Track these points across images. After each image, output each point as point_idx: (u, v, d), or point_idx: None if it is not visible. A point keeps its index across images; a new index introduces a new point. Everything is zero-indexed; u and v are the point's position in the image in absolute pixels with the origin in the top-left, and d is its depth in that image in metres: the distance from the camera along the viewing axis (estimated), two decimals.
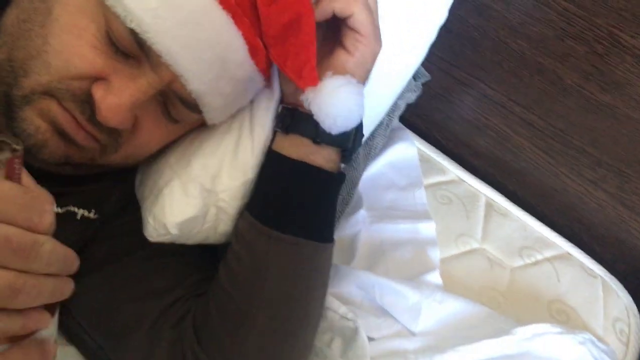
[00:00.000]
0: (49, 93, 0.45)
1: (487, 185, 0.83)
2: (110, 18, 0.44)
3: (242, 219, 0.54)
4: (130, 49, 0.44)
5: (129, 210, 0.58)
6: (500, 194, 0.82)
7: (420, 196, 0.78)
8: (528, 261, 0.74)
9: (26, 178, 0.36)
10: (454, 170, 0.85)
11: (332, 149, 0.52)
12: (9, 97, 0.46)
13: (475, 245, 0.75)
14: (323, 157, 0.52)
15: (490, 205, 0.81)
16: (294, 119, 0.53)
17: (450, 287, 0.69)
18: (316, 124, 0.51)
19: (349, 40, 0.51)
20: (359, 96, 0.50)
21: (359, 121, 0.52)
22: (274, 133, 0.55)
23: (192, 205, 0.53)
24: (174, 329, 0.54)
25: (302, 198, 0.53)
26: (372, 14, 0.51)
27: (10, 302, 0.34)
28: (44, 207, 0.35)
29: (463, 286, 0.70)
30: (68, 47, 0.45)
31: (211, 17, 0.45)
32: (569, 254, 0.76)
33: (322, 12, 0.50)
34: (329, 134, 0.51)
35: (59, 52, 0.45)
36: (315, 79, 0.49)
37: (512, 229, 0.78)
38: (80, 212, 0.55)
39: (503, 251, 0.75)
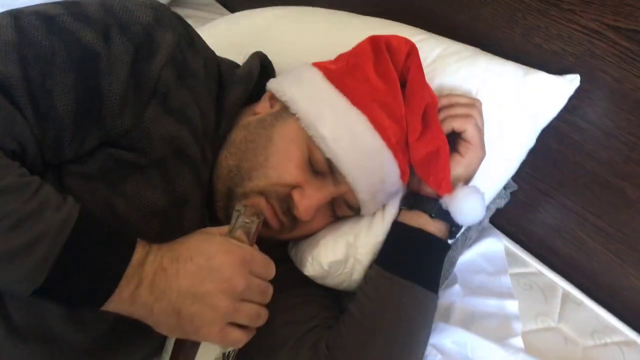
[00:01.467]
0: (261, 193, 0.68)
1: (563, 279, 0.99)
2: (313, 149, 0.67)
3: (371, 269, 0.75)
4: (322, 169, 0.68)
5: (282, 260, 0.79)
6: (575, 287, 0.97)
7: (506, 281, 0.95)
8: (599, 342, 0.88)
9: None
10: (534, 265, 1.01)
11: (443, 223, 0.73)
12: (231, 192, 0.69)
13: (552, 324, 0.90)
14: (436, 228, 0.73)
15: (566, 295, 0.96)
16: (416, 200, 0.74)
17: (530, 354, 0.83)
18: (433, 204, 0.72)
19: (462, 147, 0.74)
20: (481, 202, 0.71)
21: (482, 217, 0.73)
22: (399, 210, 0.77)
23: (339, 252, 0.74)
24: (310, 350, 0.72)
25: (419, 255, 0.73)
26: (480, 131, 0.74)
27: (254, 323, 0.58)
28: (270, 264, 0.59)
29: (541, 355, 0.84)
30: (281, 165, 0.68)
31: (380, 154, 0.69)
32: (635, 341, 0.89)
33: (445, 129, 0.73)
34: (443, 212, 0.72)
35: (275, 168, 0.68)
36: (450, 189, 0.71)
37: (585, 315, 0.92)
38: None
39: (576, 332, 0.89)
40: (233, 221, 0.60)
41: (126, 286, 0.52)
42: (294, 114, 0.69)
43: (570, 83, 0.83)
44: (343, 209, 0.73)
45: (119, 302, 0.52)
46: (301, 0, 1.16)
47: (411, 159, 0.71)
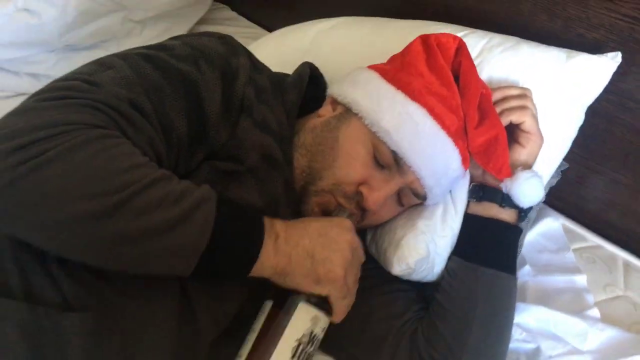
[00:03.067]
0: (330, 192, 0.75)
1: (622, 249, 1.05)
2: (378, 144, 0.74)
3: (452, 261, 0.81)
4: (388, 162, 0.74)
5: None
6: (634, 256, 1.04)
7: (570, 257, 1.01)
8: None
9: None
10: (593, 239, 1.08)
11: (512, 210, 0.80)
12: (305, 189, 0.76)
13: (620, 293, 0.97)
14: (507, 215, 0.80)
15: (627, 265, 1.02)
16: (484, 192, 0.81)
17: (605, 322, 0.90)
18: (500, 194, 0.79)
19: (522, 138, 0.80)
20: (541, 184, 0.78)
21: (541, 198, 0.79)
22: (468, 202, 0.83)
23: (422, 250, 0.80)
24: (408, 341, 0.79)
25: (496, 243, 0.80)
26: (536, 120, 0.80)
27: (354, 292, 0.67)
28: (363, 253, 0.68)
29: (616, 323, 0.91)
30: (348, 164, 0.74)
31: (441, 141, 0.75)
32: None
33: (503, 121, 0.79)
34: (510, 200, 0.78)
35: (343, 167, 0.74)
36: (510, 174, 0.78)
37: None
38: None
39: None
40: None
41: (269, 238, 0.61)
42: (356, 114, 0.76)
43: (612, 60, 0.88)
44: (410, 197, 0.79)
45: (266, 255, 0.60)
46: (335, 10, 1.22)
47: (470, 147, 0.77)
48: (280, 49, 1.14)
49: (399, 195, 0.79)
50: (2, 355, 0.55)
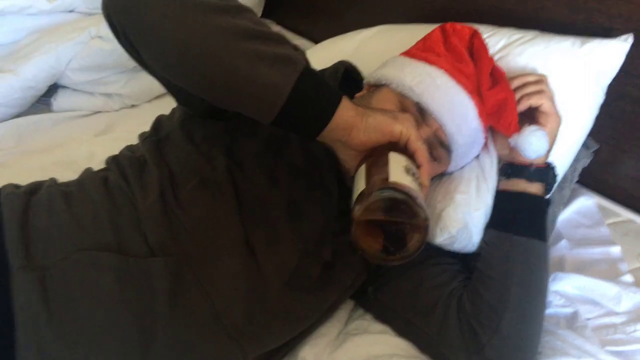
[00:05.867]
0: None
1: None
2: (404, 100, 0.86)
3: (488, 233, 0.90)
4: (414, 114, 0.85)
5: None
6: None
7: (605, 231, 1.09)
8: None
9: None
10: (625, 214, 1.15)
11: (539, 184, 0.89)
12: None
13: None
14: (535, 188, 0.89)
15: None
16: (512, 169, 0.90)
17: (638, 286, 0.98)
18: (527, 169, 0.88)
19: (542, 119, 0.89)
20: (544, 136, 0.86)
21: (546, 150, 0.88)
22: (498, 180, 0.92)
23: (462, 220, 0.89)
24: (456, 307, 0.87)
25: (527, 213, 0.89)
26: (553, 101, 0.90)
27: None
28: None
29: None
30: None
31: (458, 93, 0.87)
32: None
33: (523, 105, 0.90)
34: (537, 173, 0.88)
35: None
36: (517, 129, 0.88)
37: None
38: None
39: None
40: None
41: (343, 97, 0.69)
42: (384, 84, 0.89)
43: (625, 42, 0.97)
44: (438, 150, 0.88)
45: (345, 107, 0.68)
46: (376, 19, 1.33)
47: (484, 105, 0.88)
48: (327, 58, 1.26)
49: (431, 150, 0.87)
50: (101, 297, 0.71)
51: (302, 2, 1.82)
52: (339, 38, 1.29)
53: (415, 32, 1.15)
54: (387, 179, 0.62)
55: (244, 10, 0.68)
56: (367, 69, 1.02)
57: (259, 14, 1.80)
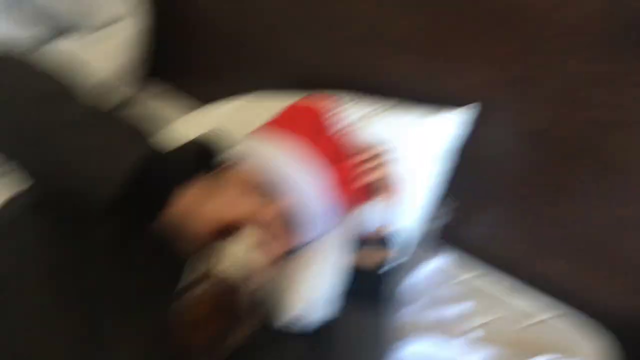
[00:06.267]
0: None
1: (506, 275, 1.21)
2: (254, 177, 0.85)
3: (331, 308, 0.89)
4: (263, 189, 0.85)
5: None
6: (519, 280, 1.19)
7: (459, 286, 1.16)
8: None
9: None
10: (481, 269, 1.23)
11: (385, 250, 0.93)
12: None
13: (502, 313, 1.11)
14: (380, 257, 0.92)
15: (510, 288, 1.17)
16: (359, 241, 0.94)
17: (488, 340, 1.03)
18: (372, 240, 0.93)
19: (381, 191, 0.96)
20: (385, 206, 0.92)
21: (389, 219, 0.94)
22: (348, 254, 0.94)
23: (309, 298, 0.91)
24: None
25: (361, 287, 0.90)
26: (392, 174, 0.97)
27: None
28: None
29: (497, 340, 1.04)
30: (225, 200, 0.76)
31: (311, 169, 0.89)
32: None
33: (365, 179, 0.96)
34: (381, 242, 0.93)
35: None
36: (362, 201, 0.95)
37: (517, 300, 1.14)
38: None
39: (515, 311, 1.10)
40: None
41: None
42: (236, 162, 0.88)
43: (465, 113, 1.07)
44: (287, 225, 0.85)
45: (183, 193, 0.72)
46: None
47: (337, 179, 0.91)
48: (202, 124, 1.25)
49: (278, 225, 0.85)
50: None
51: (191, 61, 1.79)
52: (211, 107, 1.31)
53: (279, 104, 1.19)
54: (213, 269, 0.65)
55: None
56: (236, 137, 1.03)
57: (144, 72, 1.75)
